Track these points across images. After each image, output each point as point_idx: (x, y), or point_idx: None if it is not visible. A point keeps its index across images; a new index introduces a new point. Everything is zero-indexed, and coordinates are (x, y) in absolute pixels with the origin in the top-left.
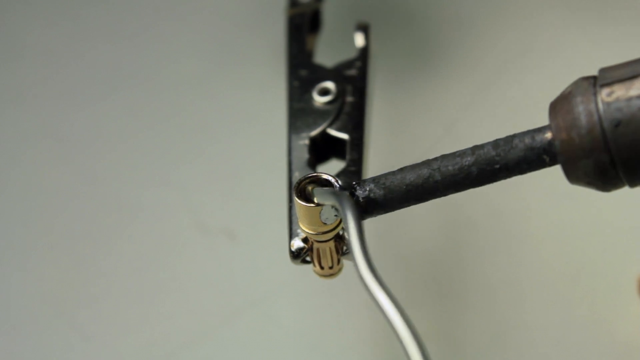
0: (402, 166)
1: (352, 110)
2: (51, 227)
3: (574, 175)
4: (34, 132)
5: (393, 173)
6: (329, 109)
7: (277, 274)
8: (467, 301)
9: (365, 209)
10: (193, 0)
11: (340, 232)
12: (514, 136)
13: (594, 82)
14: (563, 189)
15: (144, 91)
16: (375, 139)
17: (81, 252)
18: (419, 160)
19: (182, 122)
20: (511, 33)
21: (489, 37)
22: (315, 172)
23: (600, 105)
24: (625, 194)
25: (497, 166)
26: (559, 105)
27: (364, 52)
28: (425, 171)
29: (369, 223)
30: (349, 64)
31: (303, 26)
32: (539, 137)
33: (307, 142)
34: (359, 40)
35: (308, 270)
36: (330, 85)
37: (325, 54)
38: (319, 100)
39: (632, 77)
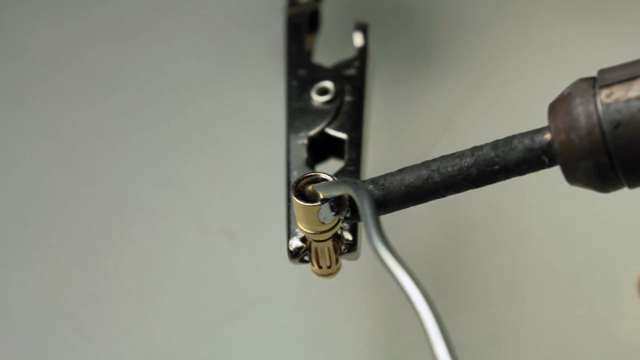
0: (401, 166)
1: (351, 110)
2: (51, 227)
3: (573, 176)
4: (34, 132)
5: (392, 174)
6: (327, 108)
7: (277, 274)
8: (466, 301)
9: None
10: (192, 0)
11: (339, 232)
12: (513, 137)
13: (593, 84)
14: (563, 189)
15: (143, 91)
16: (375, 138)
17: (81, 252)
18: (418, 160)
19: (182, 122)
20: (510, 32)
21: (488, 37)
22: (313, 172)
23: (600, 107)
24: (625, 194)
25: (497, 167)
26: (558, 107)
27: (363, 52)
28: (424, 172)
29: None
30: (347, 64)
31: (302, 26)
32: (538, 138)
33: (305, 141)
34: (358, 39)
35: (308, 270)
36: (328, 84)
37: (325, 53)
38: (318, 99)
39: (632, 79)
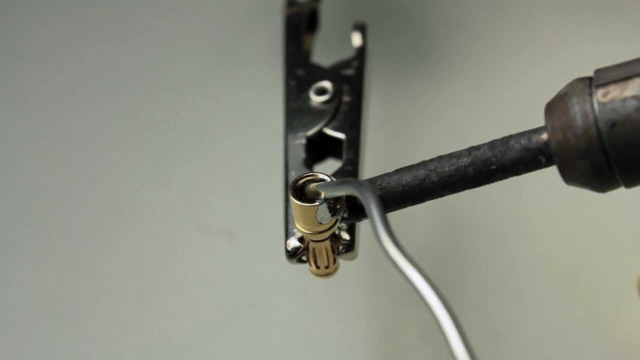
0: (400, 166)
1: (349, 110)
2: (51, 227)
3: (569, 175)
4: (34, 132)
5: (389, 174)
6: (325, 108)
7: (277, 274)
8: (466, 301)
9: (362, 209)
10: (191, 0)
11: (336, 232)
12: (510, 137)
13: (590, 83)
14: (562, 188)
15: (143, 91)
16: (373, 138)
17: (81, 252)
18: (417, 160)
19: (182, 122)
20: (510, 32)
21: (487, 37)
22: (311, 172)
23: (596, 106)
24: (625, 193)
25: (494, 167)
26: (555, 106)
27: (361, 52)
28: (421, 172)
29: (365, 223)
30: (346, 64)
31: (300, 26)
32: (535, 138)
33: (303, 141)
34: (356, 39)
35: (307, 270)
36: (327, 84)
37: (323, 53)
38: (316, 99)
39: (628, 78)
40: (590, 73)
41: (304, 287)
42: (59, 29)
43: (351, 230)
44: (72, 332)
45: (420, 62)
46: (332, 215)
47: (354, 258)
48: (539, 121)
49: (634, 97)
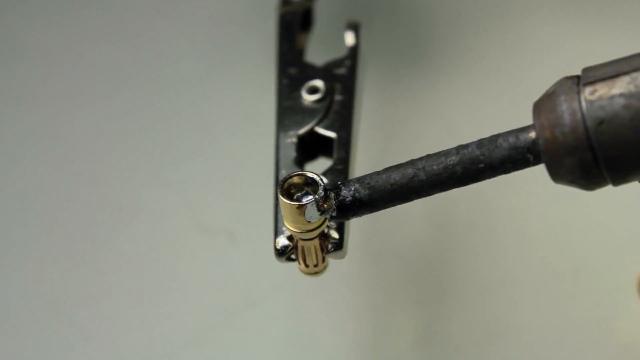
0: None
1: (341, 109)
2: (51, 227)
3: (557, 173)
4: (34, 132)
5: (378, 173)
6: (317, 107)
7: (277, 274)
8: (465, 301)
9: (351, 208)
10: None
11: (325, 231)
12: (498, 135)
13: (578, 81)
14: (562, 188)
15: (144, 91)
16: (370, 137)
17: (81, 252)
18: (409, 159)
19: (182, 122)
20: (506, 30)
21: (484, 35)
22: (300, 170)
23: (584, 104)
24: (625, 193)
25: (482, 165)
26: (543, 105)
27: (354, 51)
28: (410, 171)
29: (367, 223)
30: (338, 63)
31: (294, 24)
32: (523, 136)
33: (294, 140)
34: (349, 39)
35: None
36: (319, 83)
37: (318, 52)
38: (308, 98)
39: (615, 76)
40: None
41: (304, 287)
42: (59, 29)
43: (340, 229)
44: (72, 332)
45: (417, 60)
46: (321, 214)
47: (343, 257)
48: None
49: (621, 95)
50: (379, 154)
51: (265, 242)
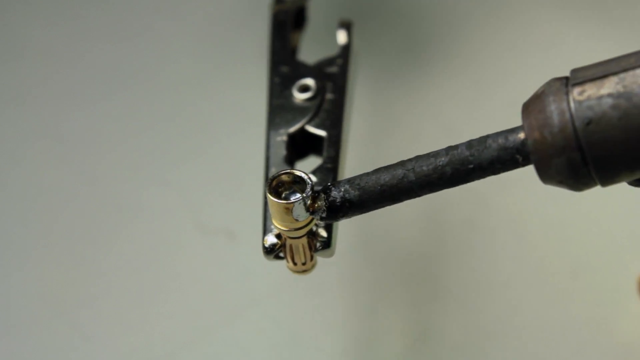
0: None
1: (331, 108)
2: (51, 227)
3: (546, 174)
4: (34, 132)
5: (368, 174)
6: (308, 105)
7: (277, 274)
8: (463, 301)
9: (341, 209)
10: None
11: (314, 229)
12: (487, 136)
13: (566, 82)
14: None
15: (143, 91)
16: (362, 136)
17: (81, 252)
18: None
19: (182, 122)
20: (503, 29)
21: (479, 34)
22: (289, 169)
23: (572, 104)
24: (625, 193)
25: (471, 166)
26: (532, 105)
27: (346, 50)
28: (399, 171)
29: (365, 223)
30: (330, 61)
31: (287, 23)
32: (512, 137)
33: (285, 138)
34: (341, 37)
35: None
36: (310, 82)
37: (312, 50)
38: (299, 96)
39: (603, 77)
40: None
41: (304, 288)
42: (59, 29)
43: (328, 228)
44: (72, 332)
45: (410, 59)
46: (311, 214)
47: (331, 255)
48: None
49: (610, 95)
50: (372, 153)
51: None
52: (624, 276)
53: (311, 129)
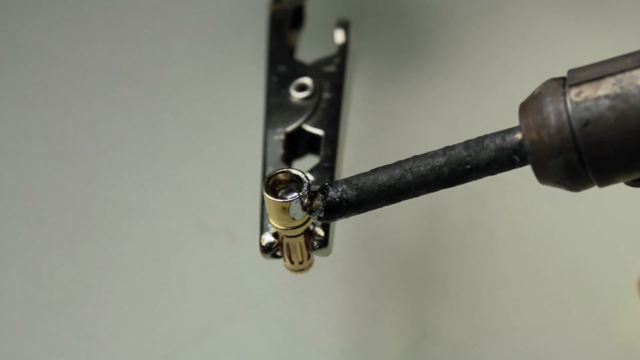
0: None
1: (329, 107)
2: (50, 227)
3: (543, 175)
4: (33, 132)
5: (365, 174)
6: (305, 104)
7: (277, 274)
8: (464, 301)
9: (338, 209)
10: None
11: (311, 228)
12: (484, 137)
13: (563, 83)
14: None
15: (141, 91)
16: (361, 135)
17: (81, 252)
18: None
19: (180, 121)
20: (502, 28)
21: (478, 34)
22: (285, 168)
23: (569, 105)
24: (624, 193)
25: (468, 167)
26: (529, 106)
27: (343, 49)
28: (397, 172)
29: (366, 223)
30: (327, 61)
31: (284, 22)
32: (509, 138)
33: (282, 137)
34: (339, 36)
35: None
36: (307, 81)
37: (309, 50)
38: (296, 96)
39: (600, 78)
40: None
41: (304, 288)
42: (57, 28)
43: (325, 227)
44: (72, 332)
45: (409, 58)
46: (308, 214)
47: (328, 254)
48: None
49: (607, 96)
50: (370, 152)
51: None
52: (624, 276)
53: (309, 128)
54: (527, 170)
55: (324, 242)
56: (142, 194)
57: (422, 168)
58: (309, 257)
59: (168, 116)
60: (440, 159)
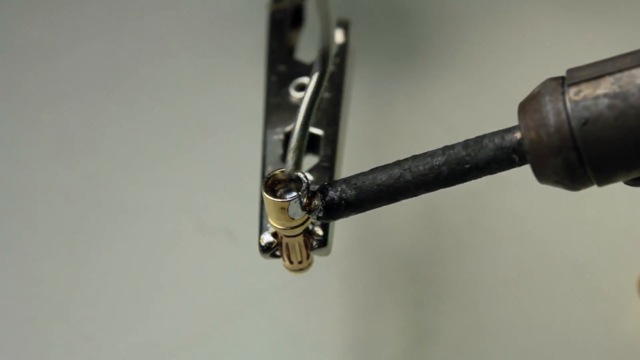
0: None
1: (328, 106)
2: (51, 227)
3: (542, 174)
4: (33, 132)
5: (364, 173)
6: None
7: (277, 274)
8: (464, 301)
9: (337, 209)
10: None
11: (310, 227)
12: (483, 136)
13: (562, 82)
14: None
15: (141, 90)
16: (361, 135)
17: (81, 252)
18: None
19: (179, 121)
20: (503, 28)
21: (477, 33)
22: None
23: (568, 104)
24: (625, 193)
25: (467, 166)
26: (528, 105)
27: (343, 49)
28: (396, 171)
29: (366, 223)
30: None
31: (284, 22)
32: (508, 137)
33: (281, 137)
34: (338, 36)
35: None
36: (307, 80)
37: (309, 49)
38: (296, 95)
39: (599, 77)
40: None
41: (304, 287)
42: (57, 28)
43: (325, 226)
44: (72, 332)
45: (410, 58)
46: (307, 214)
47: (327, 254)
48: None
49: (606, 95)
50: (369, 152)
51: None
52: (624, 276)
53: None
54: (526, 170)
55: (323, 242)
56: (142, 194)
57: (421, 167)
58: (308, 256)
59: (168, 116)
60: (440, 159)
